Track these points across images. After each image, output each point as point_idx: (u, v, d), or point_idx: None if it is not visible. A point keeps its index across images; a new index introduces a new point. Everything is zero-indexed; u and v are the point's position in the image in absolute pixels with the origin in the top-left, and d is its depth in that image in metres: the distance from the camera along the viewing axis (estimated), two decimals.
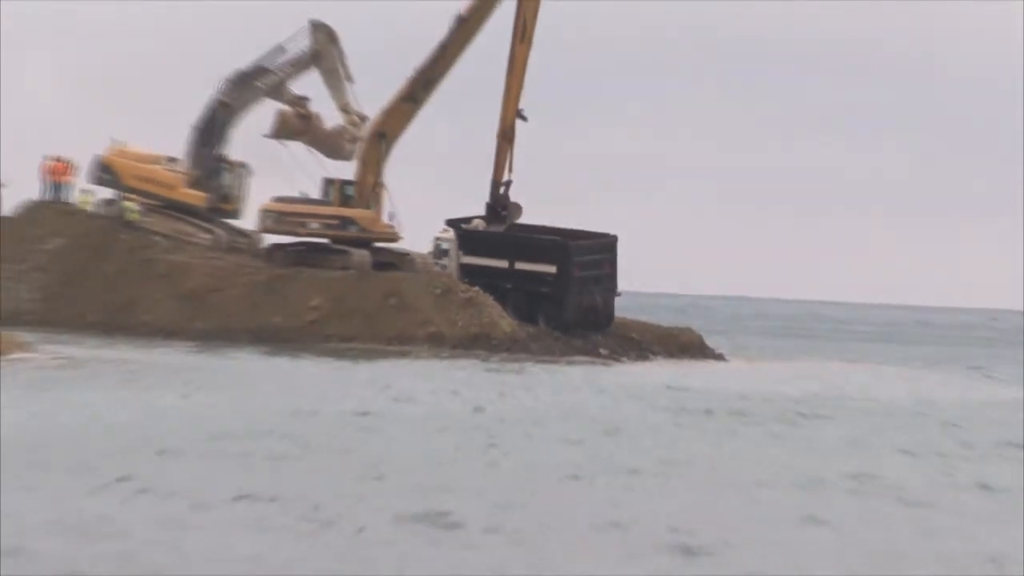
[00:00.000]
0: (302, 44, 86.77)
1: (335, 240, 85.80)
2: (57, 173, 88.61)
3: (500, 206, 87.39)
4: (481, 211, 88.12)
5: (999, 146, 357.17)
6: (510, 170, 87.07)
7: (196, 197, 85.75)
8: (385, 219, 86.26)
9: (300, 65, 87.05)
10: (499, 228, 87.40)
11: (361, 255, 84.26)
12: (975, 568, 29.37)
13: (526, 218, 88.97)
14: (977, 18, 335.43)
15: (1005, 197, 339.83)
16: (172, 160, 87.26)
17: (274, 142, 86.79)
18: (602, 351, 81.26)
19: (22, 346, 62.48)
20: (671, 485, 36.79)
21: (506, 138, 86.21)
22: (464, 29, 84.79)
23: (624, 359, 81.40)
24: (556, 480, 37.36)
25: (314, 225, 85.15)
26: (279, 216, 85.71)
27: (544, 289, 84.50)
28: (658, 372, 75.81)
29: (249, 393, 55.53)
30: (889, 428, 54.03)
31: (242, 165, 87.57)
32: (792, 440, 48.03)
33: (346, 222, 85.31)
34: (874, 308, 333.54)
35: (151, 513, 31.16)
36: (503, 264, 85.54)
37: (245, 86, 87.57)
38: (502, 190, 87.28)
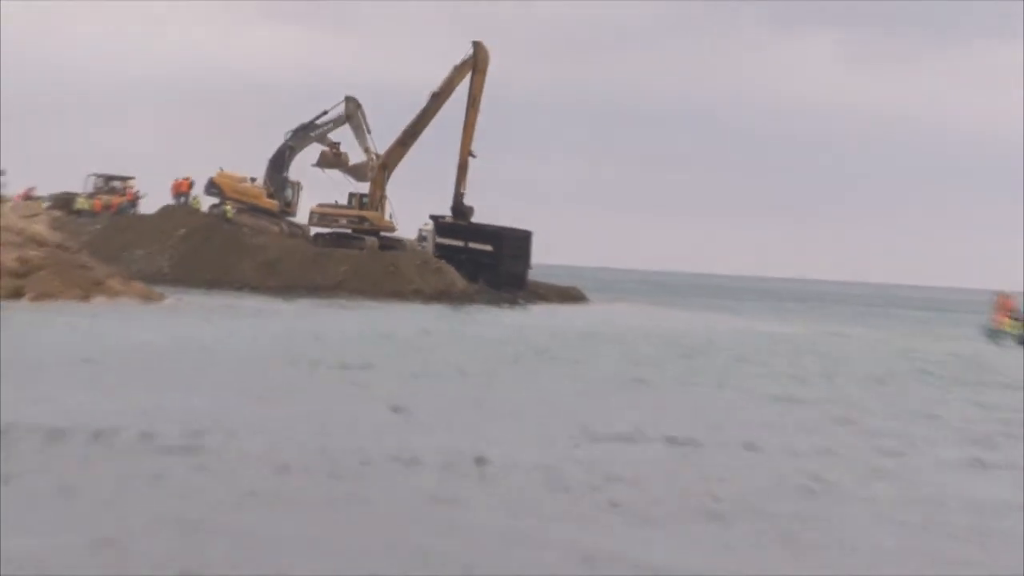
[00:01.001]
0: (339, 110, 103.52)
1: (355, 231, 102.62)
2: (182, 187, 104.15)
3: (460, 208, 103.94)
4: (447, 212, 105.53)
5: None
6: (465, 186, 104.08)
7: (270, 203, 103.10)
8: (387, 218, 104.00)
9: (337, 123, 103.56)
10: (461, 222, 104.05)
11: (372, 241, 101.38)
12: None
13: (475, 217, 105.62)
14: None
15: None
16: (253, 179, 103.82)
17: (318, 170, 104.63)
18: (520, 301, 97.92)
19: (161, 296, 74.38)
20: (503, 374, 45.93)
21: (462, 167, 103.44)
22: (437, 101, 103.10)
23: (529, 305, 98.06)
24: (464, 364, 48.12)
25: (343, 221, 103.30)
26: (321, 216, 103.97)
27: (485, 261, 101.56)
28: (544, 311, 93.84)
29: (305, 323, 68.14)
30: (640, 345, 64.04)
31: (298, 183, 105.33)
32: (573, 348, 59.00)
33: (362, 220, 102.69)
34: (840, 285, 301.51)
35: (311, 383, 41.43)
36: (460, 244, 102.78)
37: (302, 135, 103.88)
38: (462, 199, 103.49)
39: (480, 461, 26.13)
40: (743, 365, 55.73)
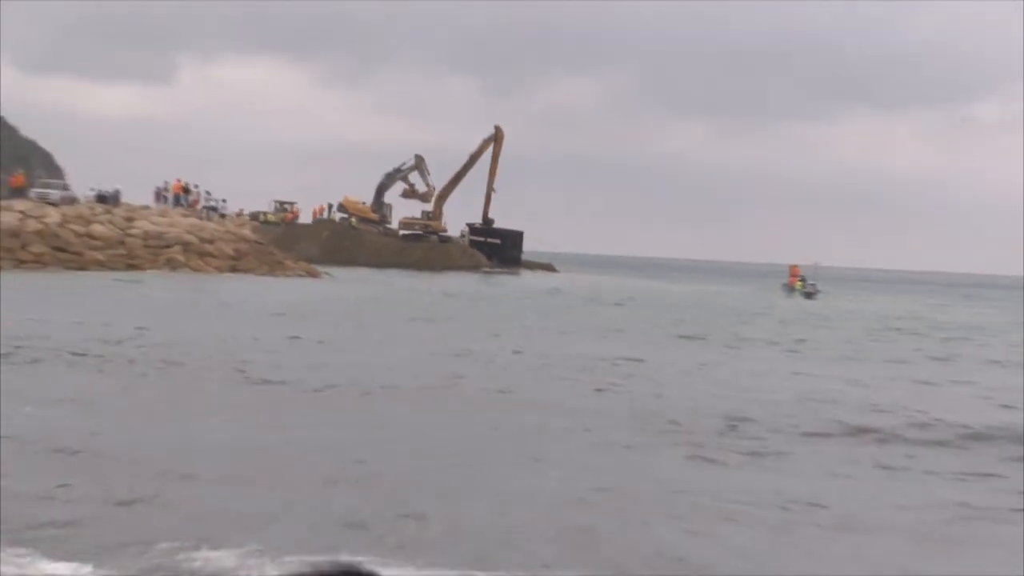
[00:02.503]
0: (411, 162, 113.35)
1: (425, 232, 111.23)
2: (320, 210, 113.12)
3: (486, 220, 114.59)
4: (477, 221, 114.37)
5: None
6: (489, 207, 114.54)
7: (375, 216, 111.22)
8: (443, 225, 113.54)
9: (410, 169, 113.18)
10: (482, 226, 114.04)
11: (434, 238, 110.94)
12: None
13: (495, 224, 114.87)
14: None
15: None
16: (364, 202, 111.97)
17: (401, 198, 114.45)
18: (516, 272, 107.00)
19: (317, 271, 78.09)
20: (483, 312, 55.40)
21: (488, 197, 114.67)
22: (472, 159, 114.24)
23: (522, 273, 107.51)
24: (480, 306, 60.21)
25: (417, 227, 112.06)
26: (405, 224, 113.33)
27: (496, 249, 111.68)
28: (530, 276, 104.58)
29: (407, 282, 77.72)
30: (570, 294, 73.92)
31: (390, 205, 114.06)
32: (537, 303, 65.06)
33: (428, 226, 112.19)
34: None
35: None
36: (482, 239, 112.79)
37: (392, 176, 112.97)
38: (488, 214, 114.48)
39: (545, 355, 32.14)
40: (632, 301, 68.11)
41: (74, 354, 27.04)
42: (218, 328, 35.69)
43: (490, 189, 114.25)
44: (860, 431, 21.26)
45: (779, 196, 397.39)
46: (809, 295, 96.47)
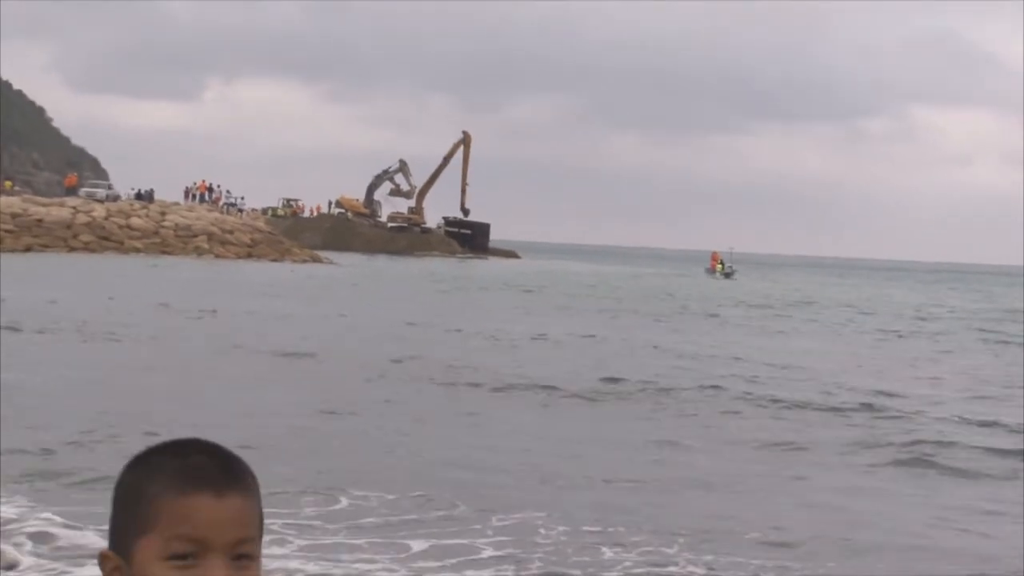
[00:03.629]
0: (396, 165, 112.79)
1: (409, 224, 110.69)
2: (319, 208, 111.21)
3: (464, 211, 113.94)
4: (452, 214, 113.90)
5: None
6: (465, 200, 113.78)
7: (367, 211, 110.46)
8: (425, 218, 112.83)
9: (395, 172, 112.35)
10: (454, 218, 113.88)
11: (416, 230, 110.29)
12: None
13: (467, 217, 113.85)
14: None
15: None
16: (358, 199, 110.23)
17: (388, 196, 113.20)
18: (485, 257, 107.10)
19: (319, 257, 77.27)
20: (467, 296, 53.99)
21: (463, 191, 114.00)
22: (446, 161, 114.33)
23: (490, 259, 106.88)
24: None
25: (402, 220, 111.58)
26: (392, 218, 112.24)
27: (467, 238, 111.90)
28: (496, 262, 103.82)
29: (383, 266, 78.43)
30: (529, 276, 74.58)
31: (379, 202, 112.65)
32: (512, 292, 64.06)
33: (412, 219, 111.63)
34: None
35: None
36: (456, 230, 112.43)
37: (380, 178, 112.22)
38: (464, 206, 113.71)
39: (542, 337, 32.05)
40: (602, 283, 70.44)
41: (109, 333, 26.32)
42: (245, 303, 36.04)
43: (464, 183, 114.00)
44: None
45: (703, 195, 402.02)
46: (728, 275, 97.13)
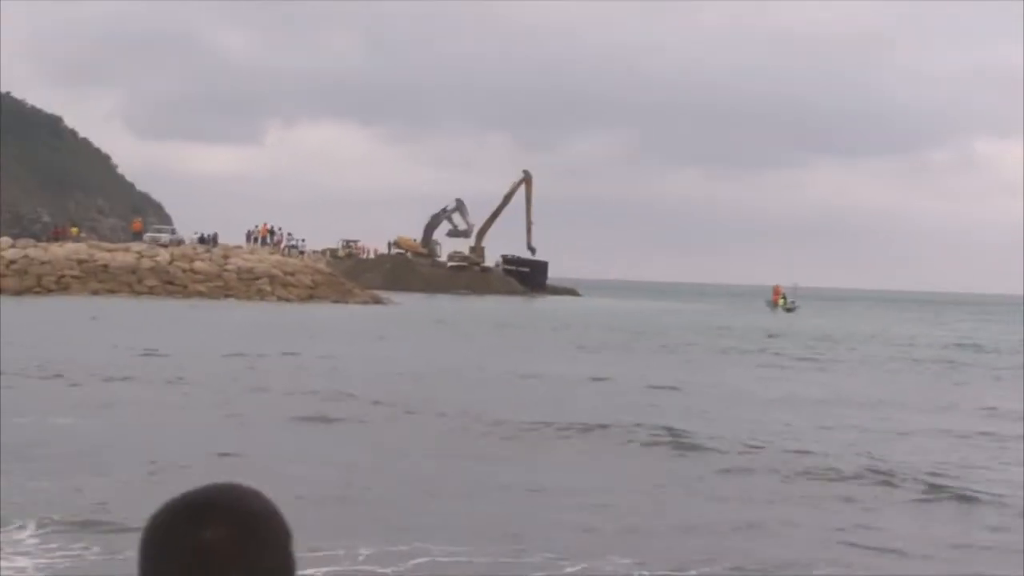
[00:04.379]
0: (453, 204, 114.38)
1: (469, 264, 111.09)
2: (375, 250, 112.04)
3: (530, 249, 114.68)
4: (511, 253, 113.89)
5: None
6: (531, 238, 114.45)
7: (424, 251, 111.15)
8: (485, 258, 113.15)
9: (452, 211, 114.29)
10: (512, 257, 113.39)
11: (476, 269, 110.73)
12: None
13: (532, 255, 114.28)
14: None
15: None
16: (415, 239, 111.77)
17: (446, 236, 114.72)
18: (544, 296, 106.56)
19: (379, 298, 76.72)
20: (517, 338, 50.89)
21: (528, 229, 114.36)
22: (507, 199, 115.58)
23: (548, 296, 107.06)
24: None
25: (461, 260, 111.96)
26: (451, 256, 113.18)
27: (526, 276, 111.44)
28: (556, 300, 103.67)
29: (459, 304, 79.44)
30: (588, 316, 71.51)
31: (437, 241, 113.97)
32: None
33: (471, 259, 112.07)
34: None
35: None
36: (514, 268, 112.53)
37: (437, 218, 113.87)
38: (530, 243, 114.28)
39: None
40: (636, 323, 65.87)
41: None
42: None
43: (529, 222, 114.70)
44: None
45: (762, 230, 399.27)
46: (790, 309, 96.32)
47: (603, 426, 19.26)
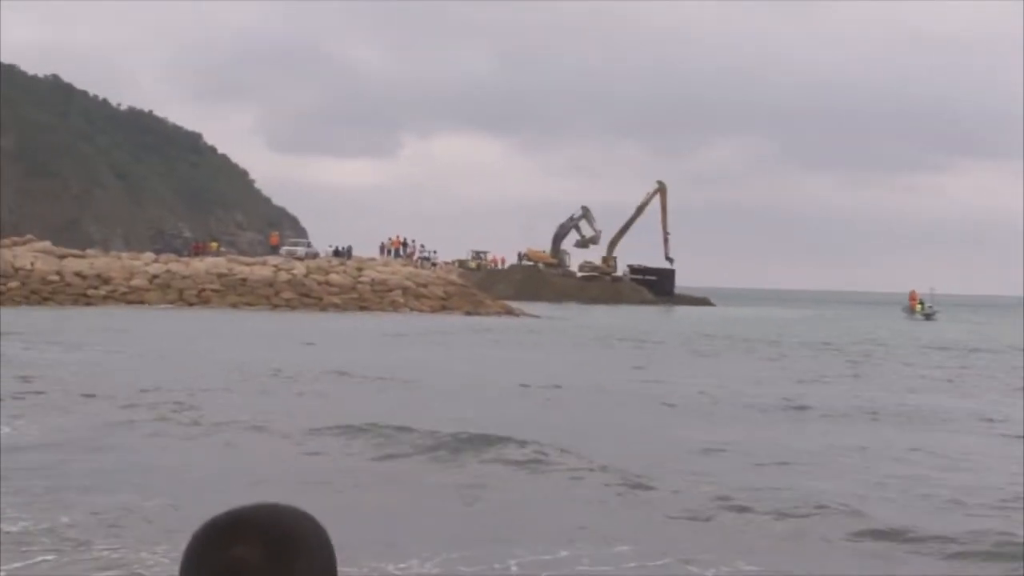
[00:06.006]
0: (579, 213, 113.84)
1: (600, 274, 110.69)
2: (502, 260, 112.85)
3: (667, 259, 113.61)
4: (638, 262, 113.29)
5: None
6: (669, 248, 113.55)
7: (554, 261, 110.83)
8: (616, 268, 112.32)
9: (579, 219, 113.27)
10: (639, 266, 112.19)
11: (607, 279, 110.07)
12: None
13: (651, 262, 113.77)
14: None
15: None
16: (545, 251, 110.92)
17: (574, 247, 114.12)
18: (676, 305, 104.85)
19: (511, 309, 74.56)
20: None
21: (665, 240, 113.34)
22: (639, 211, 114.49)
23: (682, 306, 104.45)
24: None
25: (591, 270, 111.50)
26: (583, 267, 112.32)
27: (653, 281, 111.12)
28: (686, 309, 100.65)
29: (587, 315, 75.69)
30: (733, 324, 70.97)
31: (567, 252, 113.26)
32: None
33: (602, 269, 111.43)
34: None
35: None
36: (641, 277, 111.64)
37: (564, 227, 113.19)
38: (668, 253, 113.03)
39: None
40: (767, 327, 66.58)
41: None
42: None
43: (665, 232, 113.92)
44: None
45: (901, 236, 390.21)
46: (928, 316, 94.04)
47: None
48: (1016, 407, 24.95)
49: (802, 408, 23.95)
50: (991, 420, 22.38)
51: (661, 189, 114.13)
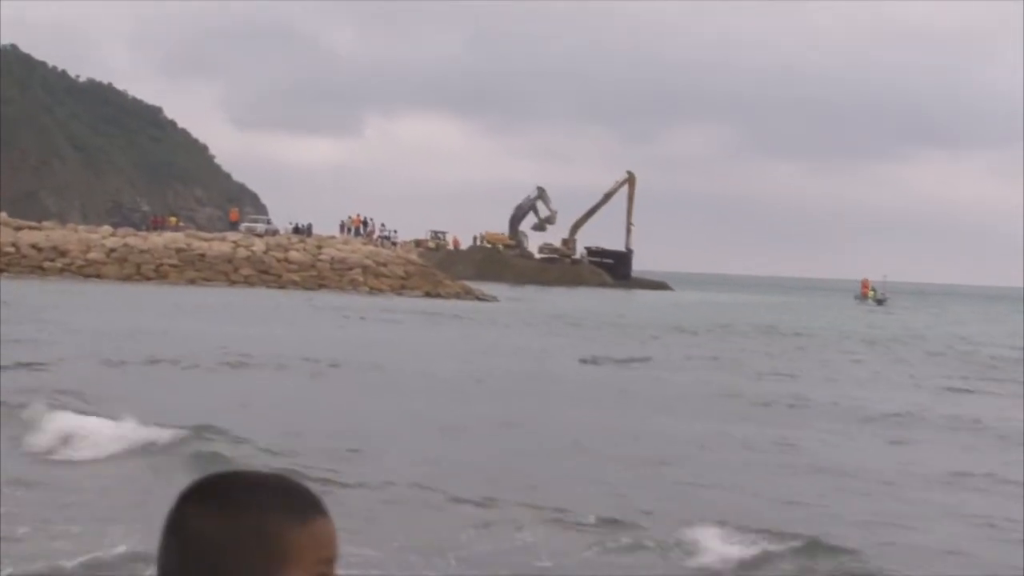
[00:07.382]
0: (535, 194, 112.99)
1: (559, 256, 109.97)
2: (459, 242, 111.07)
3: (627, 245, 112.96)
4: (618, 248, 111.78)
5: None
6: (631, 239, 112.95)
7: (511, 243, 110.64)
8: (573, 250, 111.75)
9: (535, 199, 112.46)
10: (596, 248, 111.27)
11: (567, 261, 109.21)
12: None
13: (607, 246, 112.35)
14: None
15: None
16: (504, 233, 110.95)
17: (531, 230, 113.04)
18: (634, 288, 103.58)
19: (469, 290, 72.07)
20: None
21: (628, 230, 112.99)
22: (607, 196, 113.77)
23: (634, 290, 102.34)
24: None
25: (551, 252, 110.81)
26: (542, 248, 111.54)
27: (610, 267, 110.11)
28: (642, 293, 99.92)
29: (549, 296, 77.10)
30: (681, 307, 73.15)
31: (524, 233, 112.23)
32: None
33: (561, 251, 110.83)
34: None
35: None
36: (598, 260, 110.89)
37: (521, 208, 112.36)
38: (628, 242, 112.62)
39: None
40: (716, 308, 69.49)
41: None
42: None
43: (629, 223, 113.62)
44: None
45: (861, 224, 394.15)
46: (880, 302, 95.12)
47: None
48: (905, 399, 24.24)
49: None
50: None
51: (630, 179, 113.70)
